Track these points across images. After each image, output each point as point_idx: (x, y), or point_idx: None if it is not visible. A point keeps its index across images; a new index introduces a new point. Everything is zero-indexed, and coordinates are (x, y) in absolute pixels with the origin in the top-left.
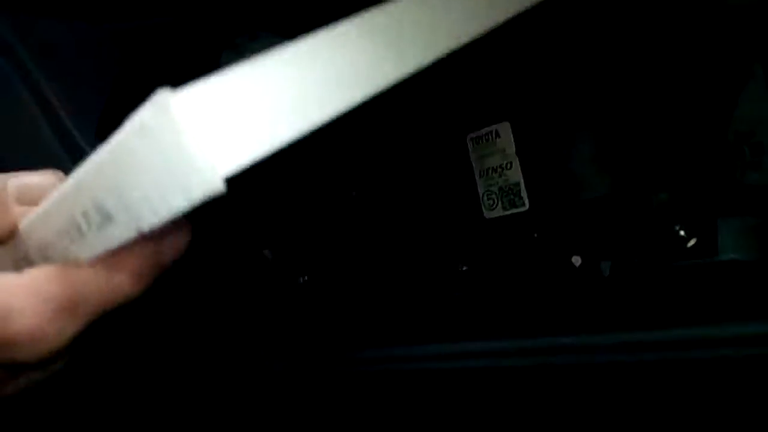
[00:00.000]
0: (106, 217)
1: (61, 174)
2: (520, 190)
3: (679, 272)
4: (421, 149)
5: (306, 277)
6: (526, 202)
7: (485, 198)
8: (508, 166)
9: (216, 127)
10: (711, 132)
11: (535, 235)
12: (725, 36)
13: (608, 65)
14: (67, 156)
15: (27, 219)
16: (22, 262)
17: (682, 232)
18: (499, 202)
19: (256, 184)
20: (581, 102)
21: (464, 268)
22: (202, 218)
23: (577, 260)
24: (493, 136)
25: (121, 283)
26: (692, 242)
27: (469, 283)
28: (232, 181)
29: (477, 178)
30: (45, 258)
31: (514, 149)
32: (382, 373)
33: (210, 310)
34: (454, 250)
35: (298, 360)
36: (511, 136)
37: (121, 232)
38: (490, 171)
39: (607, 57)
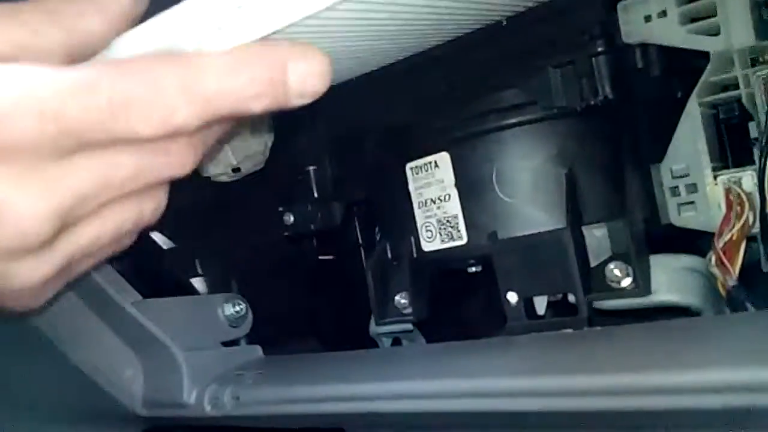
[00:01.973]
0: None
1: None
2: (458, 223)
3: (612, 312)
4: (361, 176)
5: (239, 308)
6: (464, 235)
7: (423, 230)
8: (447, 198)
9: None
10: (647, 169)
11: (473, 270)
12: (659, 71)
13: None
14: None
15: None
16: None
17: (616, 271)
18: (438, 235)
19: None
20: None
21: (402, 302)
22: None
23: (513, 297)
24: (432, 166)
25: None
26: (626, 281)
27: (405, 318)
28: None
29: (416, 209)
30: None
31: (453, 181)
32: (310, 415)
33: None
34: (390, 282)
35: None
36: (450, 167)
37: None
38: (428, 202)
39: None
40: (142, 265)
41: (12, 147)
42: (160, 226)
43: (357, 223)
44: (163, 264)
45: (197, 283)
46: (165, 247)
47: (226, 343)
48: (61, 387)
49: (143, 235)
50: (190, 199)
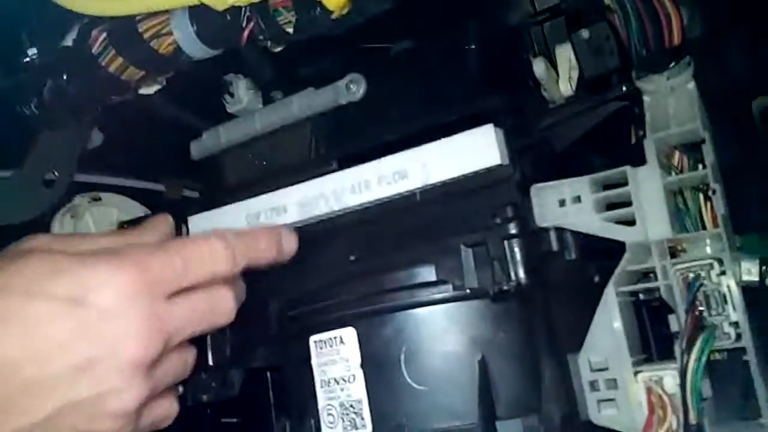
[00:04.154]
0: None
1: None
2: (362, 410)
3: None
4: (263, 342)
5: None
6: (368, 425)
7: (325, 413)
8: (351, 379)
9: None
10: (564, 359)
11: None
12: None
13: None
14: None
15: None
16: None
17: None
18: (340, 420)
19: None
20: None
21: None
22: None
23: None
24: (337, 342)
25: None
26: None
27: None
28: None
29: (318, 388)
30: None
31: (359, 361)
32: None
33: None
34: None
35: None
36: (357, 344)
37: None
38: (332, 382)
39: None
40: None
41: None
42: None
43: (270, 387)
44: None
45: None
46: None
47: None
48: None
49: None
50: None
